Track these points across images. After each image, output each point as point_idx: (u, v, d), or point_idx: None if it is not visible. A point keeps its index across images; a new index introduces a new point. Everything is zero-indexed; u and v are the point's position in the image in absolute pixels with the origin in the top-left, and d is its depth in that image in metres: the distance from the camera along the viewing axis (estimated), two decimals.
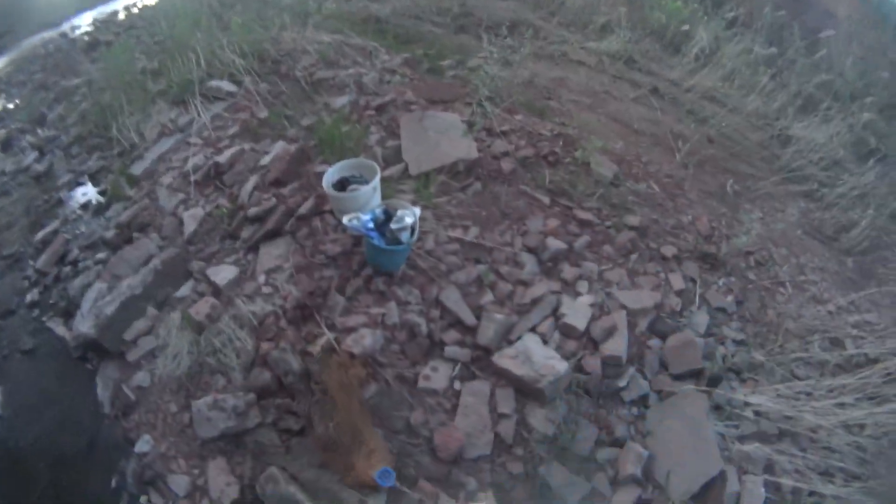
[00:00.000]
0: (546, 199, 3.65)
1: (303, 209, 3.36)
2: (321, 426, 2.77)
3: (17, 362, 3.54)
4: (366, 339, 2.81)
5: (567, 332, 3.00)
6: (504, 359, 2.82)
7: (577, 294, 3.21)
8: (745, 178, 4.73)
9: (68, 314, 3.60)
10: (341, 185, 3.29)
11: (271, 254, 3.30)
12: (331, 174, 3.29)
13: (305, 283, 3.09)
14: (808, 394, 3.06)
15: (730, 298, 3.53)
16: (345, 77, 4.48)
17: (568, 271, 3.27)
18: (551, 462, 2.70)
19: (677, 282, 3.47)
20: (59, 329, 3.57)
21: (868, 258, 4.33)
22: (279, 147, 3.82)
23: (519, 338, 2.92)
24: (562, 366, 2.77)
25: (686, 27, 6.28)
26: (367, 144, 3.86)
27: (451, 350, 2.87)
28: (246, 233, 3.43)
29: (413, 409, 2.78)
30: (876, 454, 2.79)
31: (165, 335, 3.22)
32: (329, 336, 2.88)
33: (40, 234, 4.18)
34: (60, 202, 4.41)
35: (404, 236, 2.93)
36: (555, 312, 3.06)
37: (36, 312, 3.73)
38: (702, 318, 3.33)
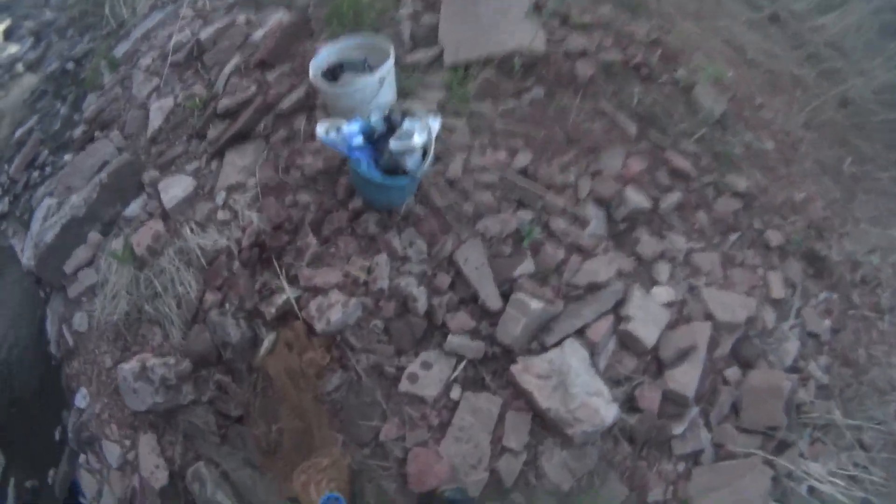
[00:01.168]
0: (632, 128, 2.11)
1: (285, 103, 1.98)
2: (261, 425, 1.59)
3: None
4: (334, 311, 1.53)
5: (629, 344, 1.67)
6: (528, 375, 1.53)
7: (654, 282, 1.81)
8: (864, 160, 2.99)
9: (28, 227, 2.54)
10: (336, 72, 1.83)
11: (236, 164, 1.99)
12: (324, 56, 1.87)
13: (272, 211, 1.79)
14: (865, 467, 2.01)
15: (827, 323, 2.21)
16: None
17: (647, 244, 1.85)
18: None
19: (777, 286, 2.10)
20: (19, 247, 2.47)
21: None
22: (275, 19, 2.32)
23: (558, 343, 1.57)
24: (609, 413, 1.53)
25: None
26: (396, 19, 2.31)
27: (456, 341, 1.59)
28: (213, 132, 2.10)
29: (387, 418, 1.59)
30: None
31: (105, 270, 2.14)
32: (290, 295, 1.61)
33: (18, 133, 2.99)
34: (44, 93, 3.12)
35: (410, 162, 1.53)
36: (617, 309, 1.68)
37: (3, 225, 2.67)
38: (792, 345, 2.03)
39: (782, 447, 1.98)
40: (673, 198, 1.95)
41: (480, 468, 1.56)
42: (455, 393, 1.59)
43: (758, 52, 2.95)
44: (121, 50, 2.87)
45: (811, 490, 1.97)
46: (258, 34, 2.33)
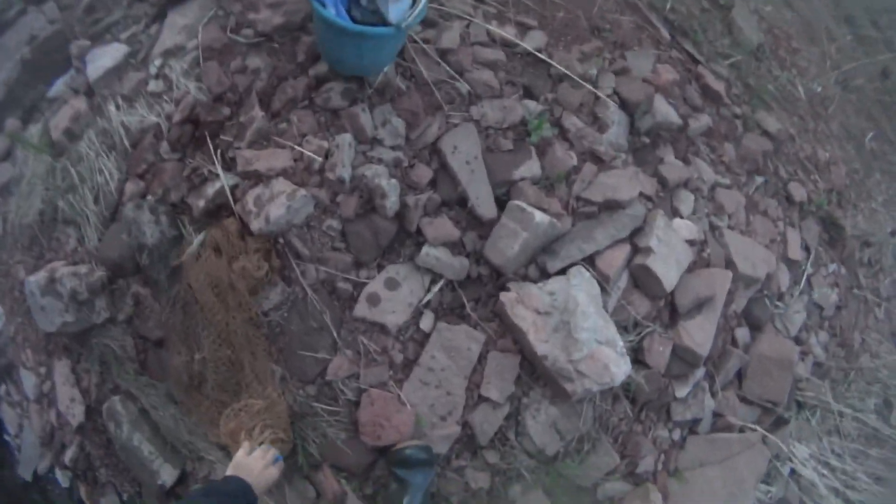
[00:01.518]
0: (665, 32, 1.65)
1: None
2: (182, 352, 1.16)
3: None
4: (276, 204, 1.08)
5: (645, 283, 1.26)
6: (522, 308, 1.11)
7: (675, 213, 1.38)
8: (885, 137, 2.62)
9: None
10: None
11: (177, 24, 1.47)
12: None
13: (213, 79, 1.30)
14: (839, 455, 1.88)
15: (833, 297, 1.95)
16: None
17: (671, 166, 1.42)
18: (534, 488, 1.19)
19: (794, 245, 1.80)
20: None
21: None
22: None
23: (563, 270, 1.15)
24: (620, 370, 1.11)
25: None
26: None
27: (432, 254, 1.14)
28: None
29: (338, 349, 1.15)
30: None
31: (22, 162, 1.65)
32: (224, 183, 1.15)
33: None
34: None
35: (394, 11, 1.05)
36: (634, 238, 1.25)
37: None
38: (798, 318, 1.77)
39: (778, 423, 1.73)
40: (703, 120, 1.51)
41: (451, 420, 1.16)
42: (426, 322, 1.15)
43: None
44: None
45: (792, 472, 1.74)
46: None
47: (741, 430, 1.62)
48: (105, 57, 1.54)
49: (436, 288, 1.14)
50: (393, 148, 1.13)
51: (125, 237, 1.31)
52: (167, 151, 1.32)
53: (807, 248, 1.96)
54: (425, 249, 1.12)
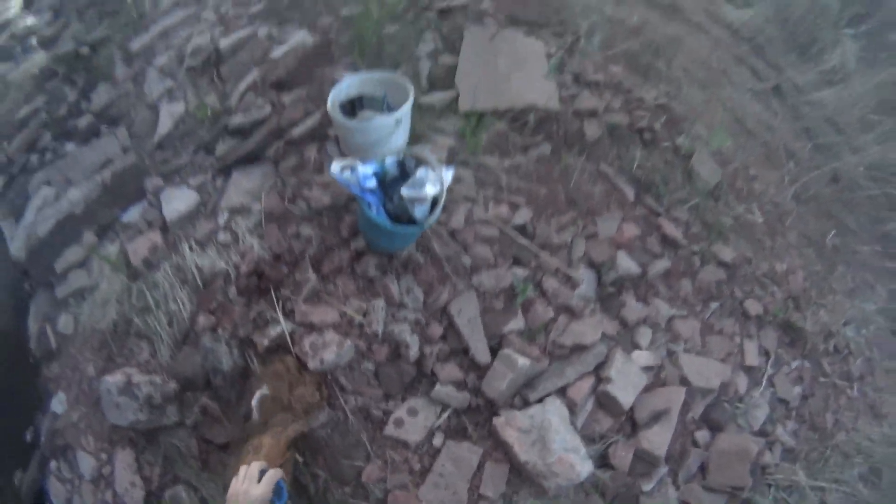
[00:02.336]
0: (630, 193, 2.28)
1: (298, 129, 2.08)
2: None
3: None
4: (329, 351, 1.64)
5: (606, 404, 1.80)
6: (510, 429, 1.65)
7: (635, 346, 1.95)
8: (847, 233, 3.25)
9: (19, 218, 2.56)
10: (354, 105, 1.95)
11: (242, 186, 2.07)
12: (343, 87, 1.94)
13: (273, 240, 1.89)
14: None
15: (797, 390, 2.43)
16: None
17: (632, 308, 2.00)
18: None
19: (751, 354, 2.32)
20: (9, 232, 2.49)
21: None
22: (297, 37, 2.43)
23: (541, 400, 1.70)
24: (584, 468, 1.63)
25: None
26: (415, 55, 2.45)
27: (443, 390, 1.70)
28: (222, 148, 2.19)
29: (370, 459, 1.68)
30: None
31: (98, 274, 2.18)
32: (285, 328, 1.72)
33: (22, 112, 2.97)
34: (54, 74, 3.09)
35: (419, 211, 1.65)
36: (599, 370, 1.82)
37: None
38: (762, 411, 2.24)
39: None
40: (661, 265, 2.11)
41: None
42: (438, 440, 1.70)
43: (757, 123, 3.18)
44: (137, 43, 2.89)
45: None
46: (279, 51, 2.42)
47: None
48: (178, 200, 2.14)
49: (445, 415, 1.69)
50: (414, 310, 1.71)
51: (199, 360, 1.86)
52: (235, 295, 1.89)
53: (766, 353, 2.51)
54: (437, 387, 1.67)
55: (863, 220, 3.55)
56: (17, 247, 2.29)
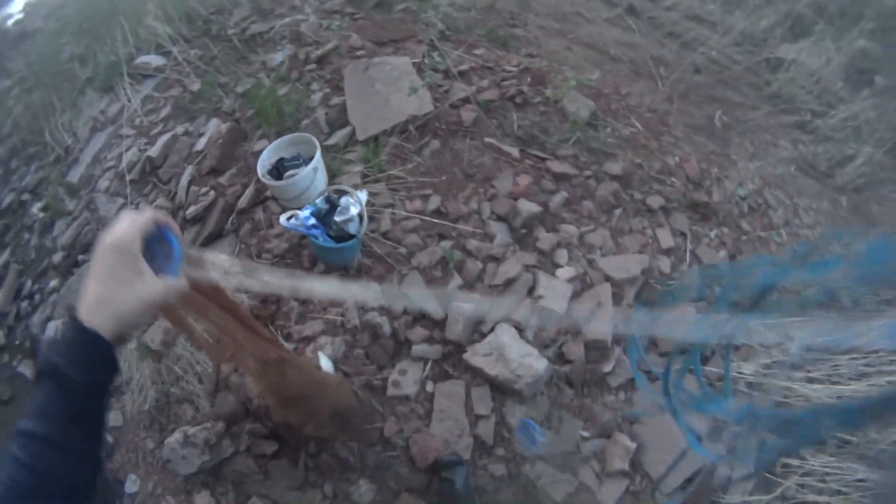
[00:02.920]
0: (515, 151, 2.97)
1: (242, 201, 2.75)
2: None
3: (2, 412, 3.16)
4: (325, 350, 2.32)
5: (546, 316, 2.47)
6: (476, 357, 2.33)
7: (556, 266, 2.65)
8: (734, 107, 3.96)
9: (35, 355, 3.19)
10: (278, 168, 2.64)
11: (216, 258, 2.72)
12: (265, 157, 2.66)
13: (255, 290, 2.54)
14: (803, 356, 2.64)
15: (723, 253, 2.99)
16: (280, 28, 3.63)
17: (544, 239, 2.69)
18: (535, 461, 2.30)
19: (666, 238, 2.90)
20: (31, 373, 3.12)
21: (863, 196, 3.70)
22: (212, 127, 3.12)
23: (492, 329, 2.40)
24: (540, 364, 2.29)
25: None
26: (310, 107, 3.14)
27: (419, 349, 2.39)
28: (188, 236, 2.84)
29: (385, 419, 2.35)
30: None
31: (127, 369, 2.80)
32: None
33: None
34: (8, 228, 3.72)
35: (352, 228, 2.35)
36: (531, 293, 2.52)
37: (6, 358, 3.28)
38: (693, 280, 2.80)
39: (704, 360, 2.76)
40: (559, 197, 2.82)
41: (465, 436, 2.36)
42: (429, 387, 2.39)
43: (619, 46, 3.89)
44: (75, 175, 3.56)
45: (750, 385, 2.60)
46: (200, 143, 3.10)
47: None
48: None
49: (427, 366, 2.38)
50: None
51: (233, 398, 2.54)
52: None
53: (681, 234, 3.23)
54: (414, 347, 2.36)
55: (746, 90, 4.29)
56: None
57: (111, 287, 0.76)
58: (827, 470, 2.27)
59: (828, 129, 4.06)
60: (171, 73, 3.58)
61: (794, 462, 2.29)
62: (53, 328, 3.05)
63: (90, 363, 0.74)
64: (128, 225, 0.79)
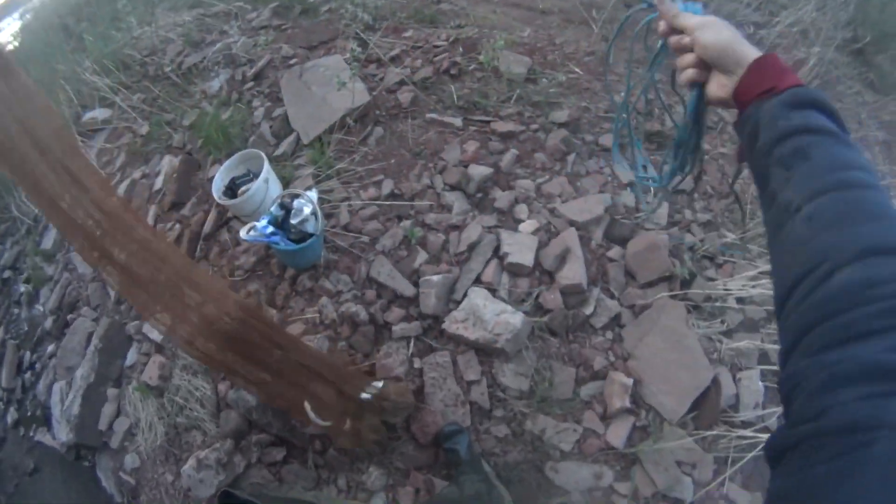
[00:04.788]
0: (458, 121, 3.04)
1: (207, 227, 2.84)
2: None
3: (29, 485, 3.27)
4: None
5: (515, 271, 2.55)
6: (454, 324, 2.41)
7: (518, 222, 2.71)
8: None
9: (48, 422, 3.30)
10: (231, 188, 2.72)
11: None
12: (218, 180, 2.76)
13: None
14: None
15: (688, 178, 2.97)
16: (213, 55, 3.70)
17: (501, 198, 2.76)
18: (535, 415, 2.37)
19: (626, 173, 2.91)
20: (47, 439, 3.28)
21: None
22: (166, 164, 3.20)
23: (465, 296, 2.46)
24: (516, 318, 2.36)
25: None
26: (254, 123, 3.23)
27: (399, 329, 2.48)
28: None
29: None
30: None
31: (133, 411, 2.93)
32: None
33: None
34: None
35: (310, 227, 2.43)
36: (497, 252, 2.59)
37: (22, 430, 3.41)
38: (661, 209, 2.85)
39: (688, 283, 2.64)
40: (509, 155, 2.87)
41: (460, 403, 2.44)
42: (417, 363, 2.47)
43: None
44: (48, 241, 3.68)
45: (740, 300, 2.59)
46: (158, 182, 3.20)
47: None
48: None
49: (411, 344, 2.45)
50: (349, 291, 2.48)
51: (235, 414, 2.63)
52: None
53: (643, 166, 3.27)
54: (394, 328, 2.44)
55: None
56: (64, 435, 3.04)
57: None
58: None
59: (774, 38, 4.06)
60: (118, 123, 3.67)
61: None
62: (57, 393, 3.16)
63: None
64: None
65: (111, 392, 3.01)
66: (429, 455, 2.38)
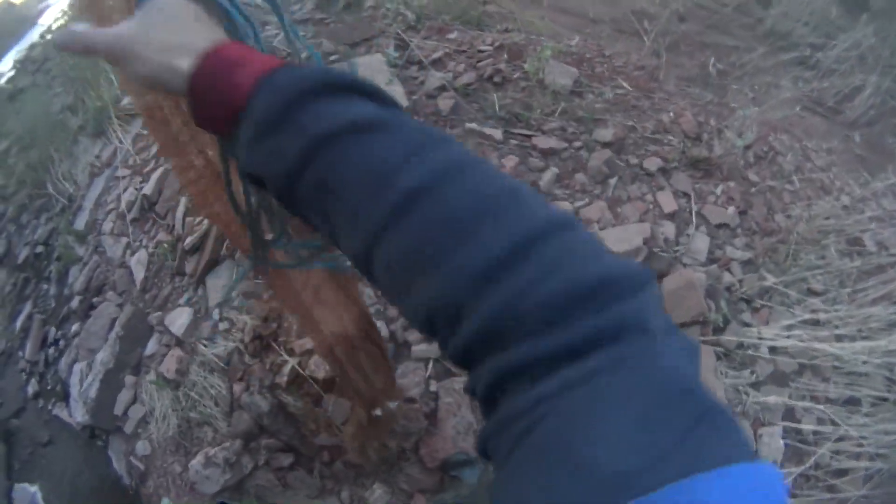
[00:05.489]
0: (498, 133, 2.91)
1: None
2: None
3: (42, 457, 3.37)
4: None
5: None
6: None
7: None
8: (727, 52, 3.78)
9: (67, 399, 3.36)
10: None
11: (218, 285, 2.83)
12: None
13: (258, 310, 2.62)
14: (829, 313, 2.52)
15: (731, 210, 2.85)
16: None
17: None
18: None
19: (668, 202, 2.79)
20: (64, 415, 3.36)
21: (876, 129, 3.44)
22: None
23: None
24: None
25: None
26: None
27: (418, 349, 2.42)
28: (189, 266, 2.94)
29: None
30: None
31: (149, 400, 2.94)
32: (292, 363, 2.43)
33: (18, 322, 3.82)
34: (27, 281, 3.91)
35: None
36: None
37: (41, 403, 3.49)
38: (701, 243, 2.72)
39: (719, 329, 2.64)
40: (549, 174, 2.75)
41: (472, 433, 2.35)
42: (433, 386, 2.39)
43: (597, 5, 3.74)
44: (81, 221, 3.73)
45: (773, 350, 2.61)
46: None
47: None
48: (179, 318, 2.91)
49: (430, 366, 2.37)
50: (372, 305, 2.40)
51: (247, 416, 2.60)
52: (250, 359, 2.63)
53: (684, 195, 3.08)
54: (413, 348, 2.36)
55: (738, 32, 4.08)
56: (80, 415, 3.09)
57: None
58: (863, 434, 2.14)
59: (830, 62, 3.82)
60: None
61: (827, 429, 2.17)
62: (78, 373, 3.20)
63: None
64: None
65: (129, 379, 3.04)
66: (435, 480, 2.31)
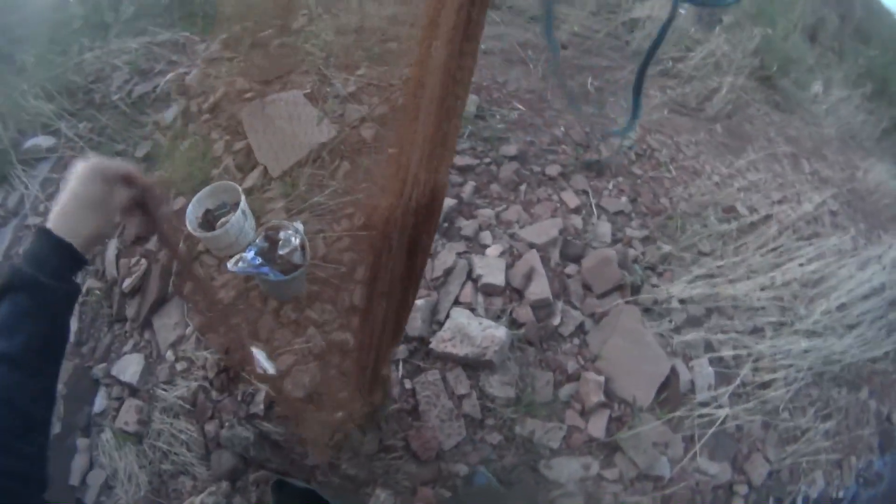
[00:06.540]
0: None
1: (176, 263, 2.76)
2: None
3: None
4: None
5: (489, 291, 2.76)
6: (442, 343, 2.55)
7: (484, 247, 2.93)
8: (602, 72, 4.44)
9: None
10: (206, 220, 2.69)
11: (167, 325, 2.73)
12: (191, 212, 2.66)
13: (217, 342, 2.60)
14: (720, 266, 3.08)
15: (624, 199, 3.37)
16: (165, 85, 3.60)
17: (466, 226, 2.95)
18: (523, 420, 2.56)
19: (571, 199, 3.27)
20: None
21: (734, 120, 4.31)
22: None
23: (447, 316, 2.64)
24: (501, 332, 2.54)
25: None
26: (216, 156, 3.16)
27: None
28: (131, 310, 2.81)
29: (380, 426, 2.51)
30: (791, 298, 2.88)
31: (108, 462, 2.69)
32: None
33: None
34: None
35: (297, 258, 2.48)
36: (471, 275, 2.79)
37: None
38: (604, 228, 3.17)
39: (637, 290, 2.94)
40: (468, 187, 3.05)
41: (455, 417, 2.53)
42: (408, 384, 2.59)
43: (488, 40, 4.23)
44: None
45: (682, 301, 2.91)
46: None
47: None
48: (130, 367, 2.75)
49: (401, 366, 2.57)
50: (335, 318, 2.56)
51: (228, 454, 2.57)
52: (217, 394, 2.61)
53: (584, 192, 3.63)
54: None
55: (610, 54, 4.78)
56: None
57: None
58: (773, 352, 2.74)
59: (690, 70, 4.63)
60: (64, 151, 3.39)
61: (742, 352, 2.72)
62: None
63: (63, 270, 0.81)
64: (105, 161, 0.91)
65: (81, 442, 2.75)
66: (432, 470, 2.46)
